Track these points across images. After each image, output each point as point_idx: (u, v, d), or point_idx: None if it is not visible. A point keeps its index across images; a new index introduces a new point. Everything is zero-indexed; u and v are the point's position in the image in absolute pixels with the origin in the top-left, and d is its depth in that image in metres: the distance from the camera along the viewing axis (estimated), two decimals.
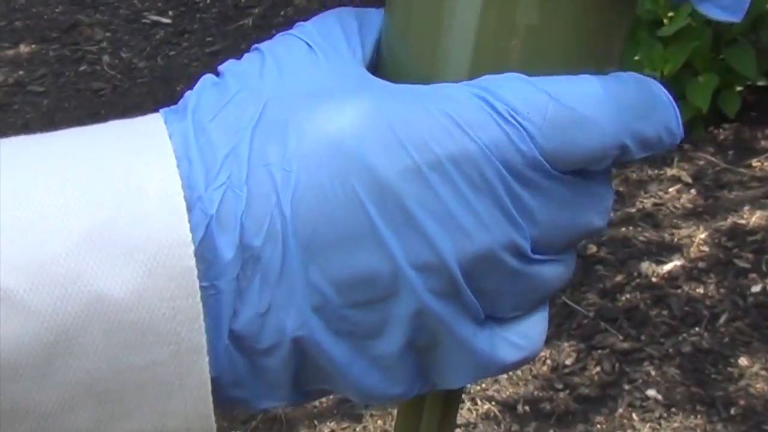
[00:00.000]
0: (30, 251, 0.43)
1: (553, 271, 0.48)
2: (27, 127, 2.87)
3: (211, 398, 0.45)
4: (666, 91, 0.49)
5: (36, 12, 3.36)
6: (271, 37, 0.50)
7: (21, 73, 3.11)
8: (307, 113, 0.46)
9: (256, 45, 0.50)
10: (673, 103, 0.49)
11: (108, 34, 3.23)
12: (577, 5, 0.47)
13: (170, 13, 3.28)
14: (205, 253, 0.44)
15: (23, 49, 3.21)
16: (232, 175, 0.45)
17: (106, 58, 3.13)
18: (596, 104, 0.46)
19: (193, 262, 0.44)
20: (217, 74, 0.49)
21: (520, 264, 0.47)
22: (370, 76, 0.48)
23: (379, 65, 0.50)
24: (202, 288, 0.44)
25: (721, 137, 2.46)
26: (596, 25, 0.48)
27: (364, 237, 0.45)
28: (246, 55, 0.49)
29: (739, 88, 2.47)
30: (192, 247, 0.44)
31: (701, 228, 2.25)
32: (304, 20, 0.50)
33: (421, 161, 0.45)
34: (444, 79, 0.47)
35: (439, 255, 0.45)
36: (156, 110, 0.48)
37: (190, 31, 3.17)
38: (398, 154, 0.45)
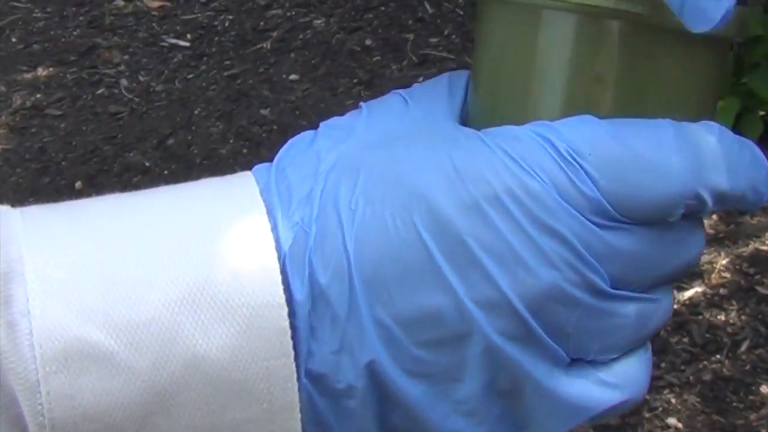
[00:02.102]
0: (129, 311, 0.44)
1: (642, 309, 0.47)
2: (44, 151, 2.87)
3: None
4: (760, 152, 0.47)
5: (54, 35, 3.37)
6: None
7: (38, 96, 3.11)
8: (377, 156, 0.47)
9: (362, 102, 0.51)
10: (766, 164, 0.48)
11: (126, 57, 3.23)
12: (660, 57, 0.46)
13: (188, 36, 3.28)
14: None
15: (41, 72, 3.21)
16: (305, 215, 0.46)
17: (123, 81, 3.13)
18: (665, 149, 0.45)
19: (287, 323, 0.45)
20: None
21: (598, 300, 0.45)
22: (450, 122, 0.48)
23: (467, 116, 0.50)
24: None
25: None
26: (679, 75, 0.47)
27: (426, 274, 0.45)
28: (349, 111, 0.51)
29: (761, 113, 2.46)
30: (286, 309, 0.45)
31: (723, 254, 2.23)
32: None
33: (479, 195, 0.45)
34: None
35: (500, 291, 0.45)
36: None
37: (208, 54, 3.17)
38: (456, 189, 0.45)
